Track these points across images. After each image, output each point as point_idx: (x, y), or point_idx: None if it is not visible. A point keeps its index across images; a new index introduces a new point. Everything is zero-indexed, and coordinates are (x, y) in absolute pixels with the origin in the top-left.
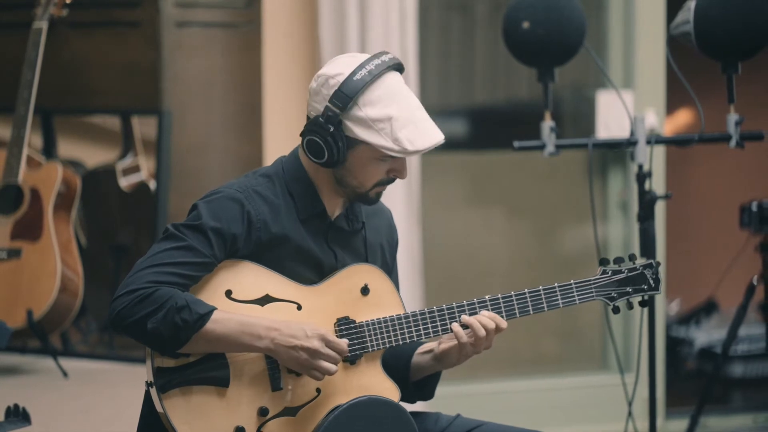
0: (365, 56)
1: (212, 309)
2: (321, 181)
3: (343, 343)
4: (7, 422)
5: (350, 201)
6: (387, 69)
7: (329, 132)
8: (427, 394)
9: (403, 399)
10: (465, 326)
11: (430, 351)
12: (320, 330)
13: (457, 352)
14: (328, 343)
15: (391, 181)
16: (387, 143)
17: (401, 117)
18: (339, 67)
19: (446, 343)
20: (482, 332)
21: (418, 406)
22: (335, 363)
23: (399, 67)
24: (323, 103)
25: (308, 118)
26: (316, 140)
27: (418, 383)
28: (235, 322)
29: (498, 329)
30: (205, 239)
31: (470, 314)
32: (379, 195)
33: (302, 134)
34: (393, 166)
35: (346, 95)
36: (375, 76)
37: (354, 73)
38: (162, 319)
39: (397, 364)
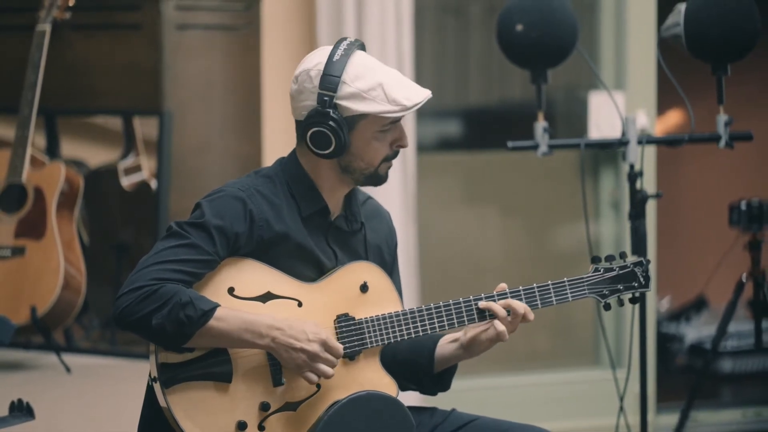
0: (329, 46)
1: (216, 306)
2: (321, 178)
3: (340, 347)
4: (11, 417)
5: (360, 185)
6: (356, 48)
7: (330, 116)
8: (446, 385)
9: (423, 392)
10: (490, 315)
11: (455, 341)
12: (321, 334)
13: (485, 335)
14: (327, 348)
15: (396, 154)
16: (385, 107)
17: (389, 80)
18: (313, 60)
19: (472, 330)
20: (503, 312)
21: (415, 401)
22: (333, 366)
23: (363, 48)
24: (313, 94)
25: (298, 122)
26: (320, 131)
27: (438, 375)
28: (237, 319)
29: (525, 318)
30: (208, 237)
31: (466, 310)
32: (387, 172)
33: (303, 131)
34: (395, 137)
35: (334, 76)
36: (350, 55)
37: (331, 56)
38: (167, 315)
39: (419, 359)
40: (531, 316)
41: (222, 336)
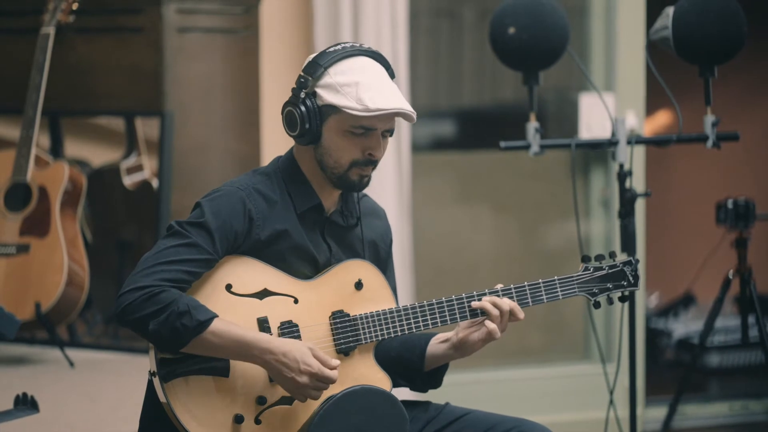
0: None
1: (212, 317)
2: (313, 174)
3: (334, 374)
4: (16, 410)
5: (335, 187)
6: (363, 53)
7: (301, 99)
8: (437, 382)
9: (414, 388)
10: (482, 312)
11: (446, 341)
12: (313, 366)
13: (476, 335)
14: (318, 379)
15: (369, 162)
16: (350, 103)
17: (368, 83)
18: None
19: (463, 331)
20: (495, 312)
21: (409, 395)
22: (321, 391)
23: (377, 57)
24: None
25: None
26: (290, 110)
27: (429, 373)
28: (231, 337)
29: (514, 316)
30: (208, 236)
31: (459, 308)
32: (362, 180)
33: (281, 111)
34: (367, 144)
35: (319, 64)
36: (349, 53)
37: (328, 48)
38: (163, 321)
39: (411, 356)
40: (521, 314)
41: (216, 350)
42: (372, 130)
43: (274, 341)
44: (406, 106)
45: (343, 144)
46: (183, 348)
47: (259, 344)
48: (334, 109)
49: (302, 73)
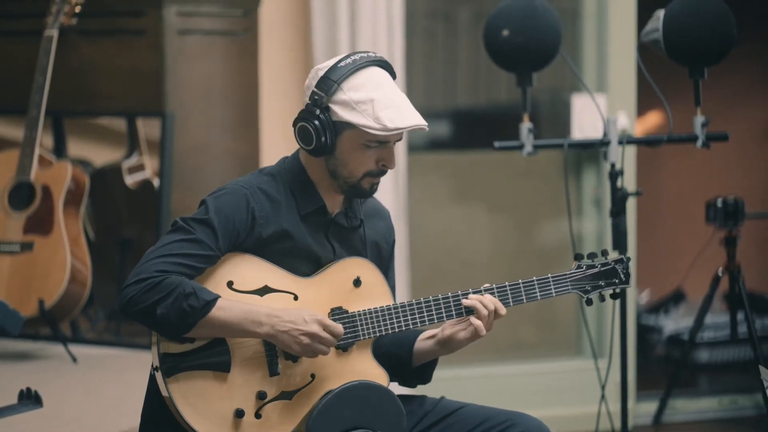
0: (363, 52)
1: (217, 296)
2: (320, 178)
3: (339, 326)
4: (20, 405)
5: (345, 194)
6: (372, 63)
7: (315, 115)
8: (426, 378)
9: (404, 384)
10: (469, 310)
11: (433, 337)
12: (318, 315)
13: (463, 334)
14: (325, 327)
15: (381, 172)
16: (368, 122)
17: (383, 99)
18: (330, 62)
19: (450, 328)
20: (484, 311)
21: (406, 390)
22: (331, 346)
23: (384, 65)
24: (310, 91)
25: None
26: (304, 125)
27: (418, 368)
28: (238, 309)
29: (497, 314)
30: (211, 233)
31: (455, 305)
32: (373, 187)
33: (293, 124)
34: (381, 155)
35: (331, 80)
36: (360, 66)
37: (339, 61)
38: (171, 305)
39: (400, 352)
40: (502, 311)
41: (223, 326)
42: (386, 143)
43: (276, 308)
44: (420, 121)
45: (357, 156)
46: (189, 330)
47: (263, 310)
48: (350, 125)
49: (315, 89)
